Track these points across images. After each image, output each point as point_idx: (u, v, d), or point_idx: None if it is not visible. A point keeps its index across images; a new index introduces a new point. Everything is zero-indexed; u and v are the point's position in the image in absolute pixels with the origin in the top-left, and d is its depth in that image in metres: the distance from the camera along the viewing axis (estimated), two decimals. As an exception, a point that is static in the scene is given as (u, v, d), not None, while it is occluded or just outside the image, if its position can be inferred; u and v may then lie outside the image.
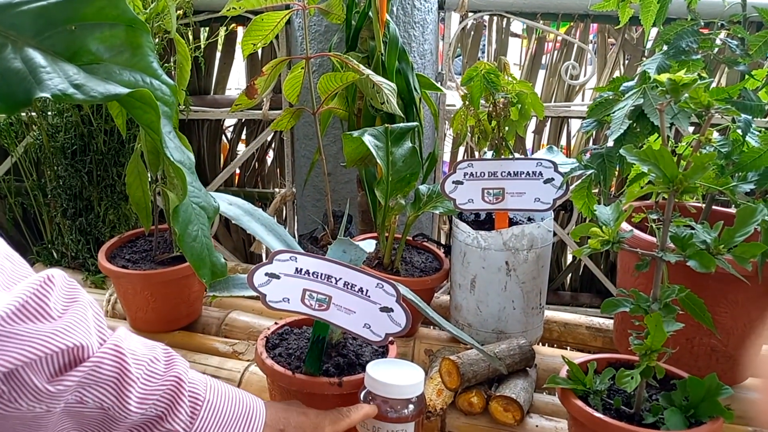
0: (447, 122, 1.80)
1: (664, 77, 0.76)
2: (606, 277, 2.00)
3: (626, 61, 1.88)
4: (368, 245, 0.88)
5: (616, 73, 1.90)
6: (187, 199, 0.72)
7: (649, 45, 1.77)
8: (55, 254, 1.54)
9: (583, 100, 1.99)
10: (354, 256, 0.85)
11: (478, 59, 1.95)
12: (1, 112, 0.66)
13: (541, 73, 1.95)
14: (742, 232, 0.73)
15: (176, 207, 0.71)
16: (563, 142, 2.01)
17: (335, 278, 0.82)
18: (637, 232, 1.03)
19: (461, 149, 2.01)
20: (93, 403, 0.60)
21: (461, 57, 1.96)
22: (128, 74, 0.72)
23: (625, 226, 1.05)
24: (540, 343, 1.25)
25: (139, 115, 0.69)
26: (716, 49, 1.01)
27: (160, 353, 0.68)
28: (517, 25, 1.87)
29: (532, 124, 2.01)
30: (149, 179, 1.21)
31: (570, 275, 2.17)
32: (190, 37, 1.66)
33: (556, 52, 1.91)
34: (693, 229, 0.79)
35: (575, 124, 1.99)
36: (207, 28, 1.83)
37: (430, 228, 1.90)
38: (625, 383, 0.77)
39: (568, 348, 1.30)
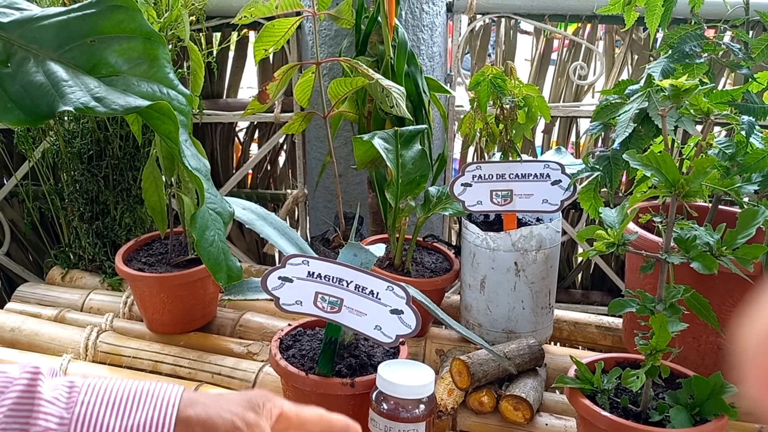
0: (456, 123, 1.82)
1: (666, 83, 0.78)
2: (617, 276, 2.01)
3: (634, 60, 1.90)
4: (378, 249, 0.91)
5: (624, 73, 1.91)
6: (204, 205, 0.75)
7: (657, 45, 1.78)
8: (72, 257, 1.57)
9: (593, 98, 2.00)
10: (364, 260, 0.88)
11: (488, 60, 1.97)
12: (25, 124, 0.69)
13: (551, 71, 1.96)
14: (744, 234, 0.74)
15: (194, 214, 0.74)
16: (572, 140, 2.02)
17: (347, 281, 0.84)
18: (643, 232, 1.04)
19: (471, 149, 2.03)
20: None
21: (470, 56, 1.98)
22: (146, 85, 0.74)
23: (631, 226, 1.07)
24: (550, 342, 1.27)
25: (158, 125, 0.72)
26: (720, 53, 1.03)
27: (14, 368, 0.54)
28: (528, 23, 1.88)
29: (541, 124, 2.02)
30: (164, 184, 1.24)
31: (581, 274, 2.18)
32: (203, 43, 1.69)
33: (564, 50, 1.92)
34: (696, 230, 0.80)
35: (584, 124, 2.00)
36: (219, 34, 1.86)
37: (440, 228, 1.92)
38: (630, 383, 0.79)
39: (580, 347, 1.31)
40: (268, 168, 2.12)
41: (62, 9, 0.75)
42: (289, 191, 1.99)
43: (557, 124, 2.01)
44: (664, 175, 0.74)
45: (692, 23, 1.04)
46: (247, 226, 0.99)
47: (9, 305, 1.37)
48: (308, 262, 0.86)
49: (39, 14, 0.75)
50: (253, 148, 2.12)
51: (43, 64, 0.70)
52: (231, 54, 1.95)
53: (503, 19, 1.85)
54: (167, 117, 0.69)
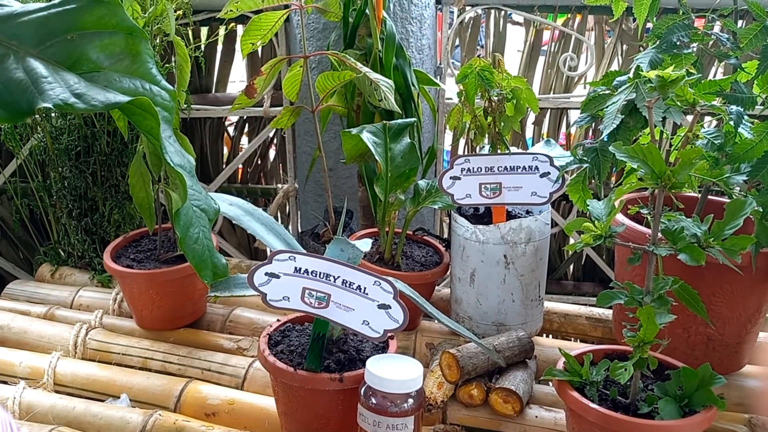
0: (446, 116, 1.82)
1: (652, 74, 0.77)
2: (608, 267, 2.01)
3: (624, 51, 1.89)
4: (364, 244, 0.90)
5: (615, 64, 1.91)
6: (188, 202, 0.74)
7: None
8: (62, 254, 1.56)
9: (584, 89, 2.00)
10: (351, 255, 0.87)
11: (477, 51, 1.97)
12: (5, 121, 0.68)
13: (541, 62, 1.95)
14: (732, 225, 0.74)
15: (177, 210, 0.73)
16: (563, 132, 2.02)
17: (334, 276, 0.84)
18: (632, 224, 1.04)
19: (462, 142, 2.02)
20: None
21: (460, 49, 1.97)
22: (128, 81, 0.73)
23: (620, 218, 1.07)
24: (541, 334, 1.26)
25: (139, 121, 0.71)
26: (710, 43, 1.02)
27: None
28: (517, 14, 1.87)
29: (531, 116, 2.02)
30: (152, 179, 1.23)
31: (573, 265, 2.18)
32: (191, 37, 1.67)
33: (554, 43, 1.92)
34: (683, 222, 0.80)
35: (575, 115, 2.00)
36: (207, 28, 1.85)
37: (432, 221, 1.92)
38: (618, 375, 0.78)
39: (571, 339, 1.31)
40: (259, 162, 2.11)
41: (43, 5, 0.74)
42: (279, 186, 1.99)
43: (548, 116, 2.01)
44: (650, 167, 0.73)
45: (681, 13, 1.03)
46: (233, 222, 0.98)
47: (-2, 303, 1.36)
48: (295, 257, 0.85)
49: (19, 10, 0.74)
50: (244, 142, 2.11)
51: (23, 61, 0.70)
52: (219, 48, 1.94)
53: (493, 11, 1.84)
54: (148, 113, 0.68)
